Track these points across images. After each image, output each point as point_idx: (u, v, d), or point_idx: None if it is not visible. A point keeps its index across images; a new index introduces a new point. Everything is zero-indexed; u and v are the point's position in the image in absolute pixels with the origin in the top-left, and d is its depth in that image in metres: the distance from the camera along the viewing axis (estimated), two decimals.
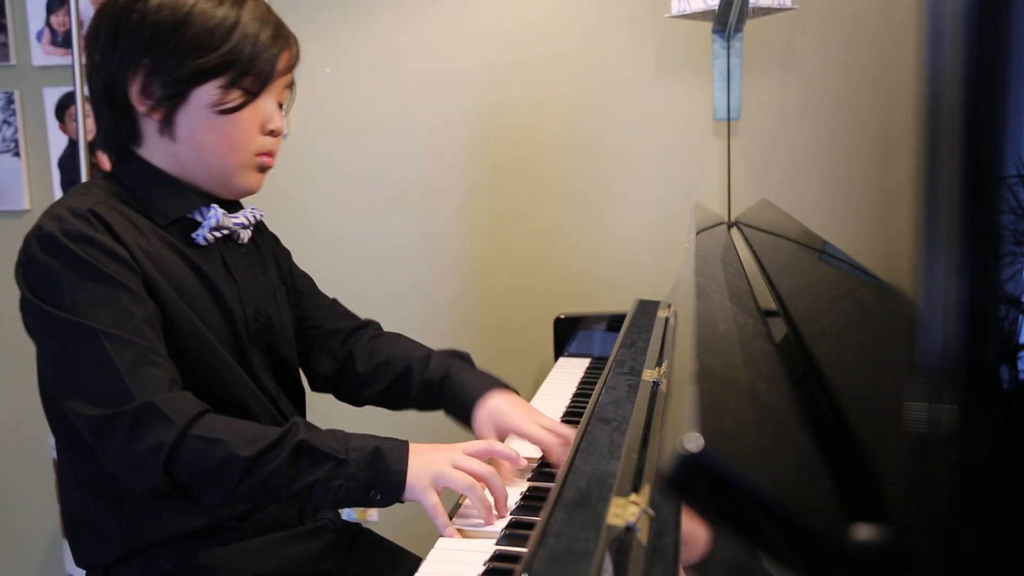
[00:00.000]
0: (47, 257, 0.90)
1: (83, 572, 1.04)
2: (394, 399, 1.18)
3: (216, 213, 1.02)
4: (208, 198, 1.04)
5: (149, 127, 1.00)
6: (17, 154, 2.09)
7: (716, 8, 1.66)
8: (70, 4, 1.96)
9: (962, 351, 0.33)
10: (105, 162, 2.07)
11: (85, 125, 2.01)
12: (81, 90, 1.99)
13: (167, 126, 0.98)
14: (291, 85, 1.07)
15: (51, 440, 1.89)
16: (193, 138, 0.99)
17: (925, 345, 0.34)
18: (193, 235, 1.01)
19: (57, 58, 2.07)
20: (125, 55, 0.96)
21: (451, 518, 0.91)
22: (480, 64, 1.92)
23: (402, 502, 0.89)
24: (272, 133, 1.03)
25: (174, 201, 1.00)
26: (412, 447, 0.91)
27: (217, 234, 1.02)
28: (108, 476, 0.97)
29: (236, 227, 1.05)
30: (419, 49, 1.94)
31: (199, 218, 1.02)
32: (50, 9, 2.06)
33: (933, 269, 0.34)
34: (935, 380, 0.34)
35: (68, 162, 2.09)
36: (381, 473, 0.88)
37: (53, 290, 0.89)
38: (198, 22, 0.96)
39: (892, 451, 0.39)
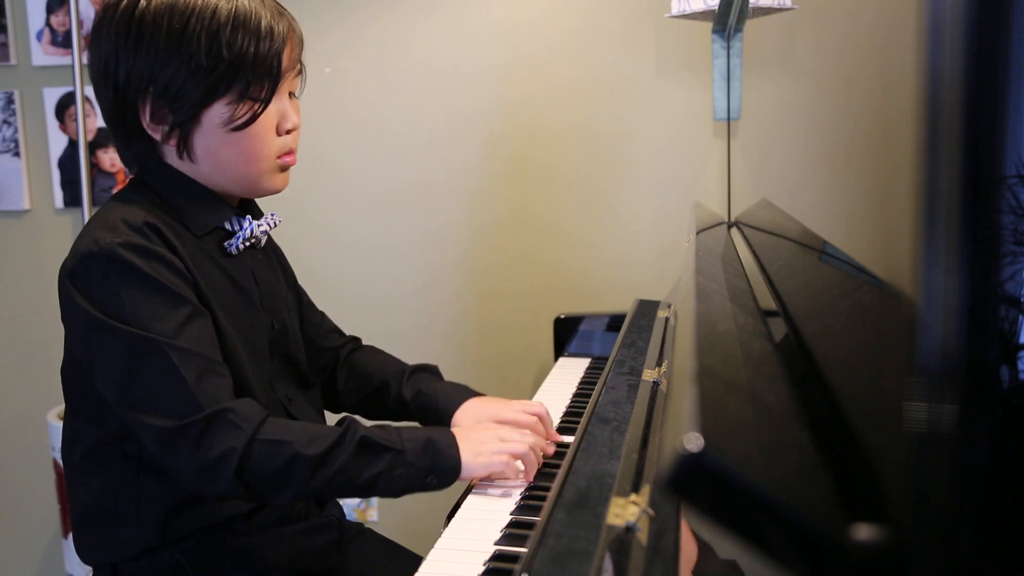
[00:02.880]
0: (107, 270, 0.89)
1: (83, 573, 1.04)
2: (372, 411, 1.23)
3: (251, 225, 1.02)
4: (232, 200, 1.04)
5: (167, 148, 0.98)
6: (17, 154, 2.09)
7: (716, 8, 1.66)
8: (70, 4, 1.96)
9: (962, 351, 0.33)
10: (105, 162, 2.07)
11: (85, 125, 2.01)
12: (81, 90, 1.99)
13: (184, 149, 0.97)
14: (300, 70, 1.03)
15: (51, 440, 1.89)
16: (212, 156, 0.97)
17: (925, 345, 0.34)
18: (226, 244, 1.01)
19: (57, 58, 2.07)
20: (130, 80, 0.94)
21: (469, 494, 0.97)
22: (479, 64, 1.92)
23: (456, 482, 0.95)
24: (289, 131, 1.01)
25: (207, 211, 0.99)
26: (458, 432, 0.96)
27: (247, 244, 1.03)
28: (130, 476, 0.97)
29: (261, 235, 1.05)
30: (419, 50, 1.94)
31: (230, 227, 1.02)
32: (50, 9, 2.06)
33: (933, 269, 0.34)
34: (935, 380, 0.34)
35: (68, 162, 2.09)
36: (436, 459, 0.93)
37: (115, 303, 0.89)
38: (196, 38, 0.92)
39: (892, 451, 0.39)
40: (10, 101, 2.08)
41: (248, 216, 1.03)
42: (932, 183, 0.34)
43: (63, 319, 0.95)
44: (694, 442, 0.37)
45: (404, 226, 1.99)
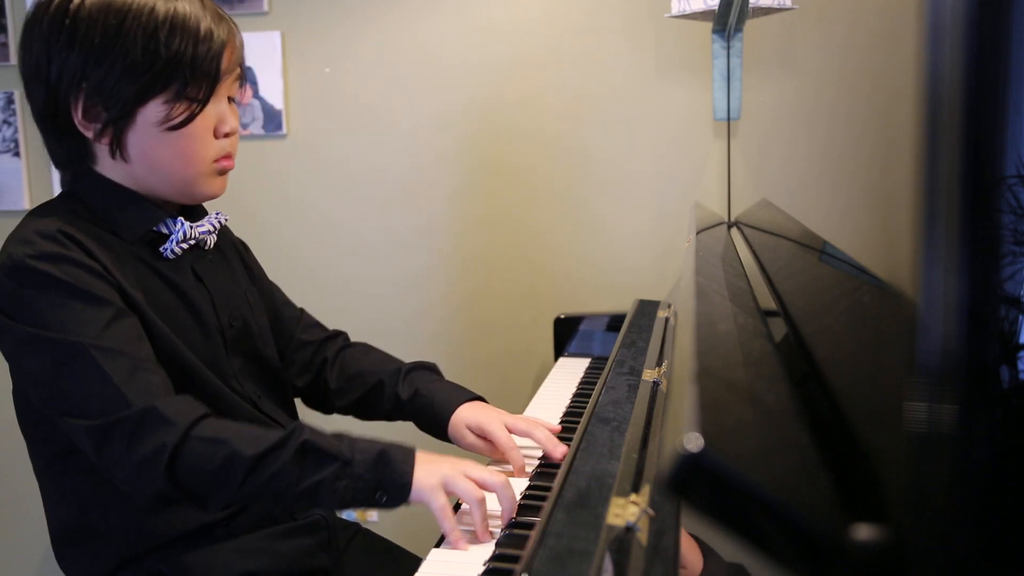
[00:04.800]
0: (22, 286, 0.88)
1: None
2: (365, 411, 1.19)
3: (183, 226, 0.99)
4: (171, 205, 1.02)
5: (99, 148, 0.97)
6: (17, 154, 2.09)
7: (716, 8, 1.66)
8: None
9: (962, 351, 0.33)
10: None
11: None
12: None
13: (117, 148, 0.95)
14: (240, 77, 1.02)
15: None
16: (146, 156, 0.96)
17: (925, 345, 0.34)
18: (161, 249, 0.98)
19: None
20: (62, 76, 0.92)
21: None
22: (480, 63, 1.92)
23: (408, 504, 0.88)
24: (227, 135, 0.99)
25: (138, 216, 0.97)
26: (419, 453, 0.90)
27: (184, 245, 1.00)
28: (91, 488, 0.96)
29: (202, 235, 1.02)
30: (419, 49, 1.94)
31: (165, 230, 0.99)
32: None
33: (933, 269, 0.34)
34: (935, 380, 0.34)
35: None
36: (387, 474, 0.86)
37: (35, 314, 0.87)
38: (132, 36, 0.91)
39: (892, 451, 0.39)
40: (10, 101, 2.08)
41: (180, 218, 1.00)
42: (932, 183, 0.34)
43: None
44: (694, 442, 0.37)
45: (405, 225, 1.99)
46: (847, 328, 0.52)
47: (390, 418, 1.17)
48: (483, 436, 1.07)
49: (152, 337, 0.93)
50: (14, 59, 2.07)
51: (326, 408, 1.22)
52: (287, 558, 1.01)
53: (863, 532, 0.37)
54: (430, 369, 1.19)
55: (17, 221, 0.95)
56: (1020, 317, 0.33)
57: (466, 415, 1.09)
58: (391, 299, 2.01)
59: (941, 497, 0.34)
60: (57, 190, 2.08)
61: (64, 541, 1.00)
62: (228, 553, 0.98)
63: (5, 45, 2.07)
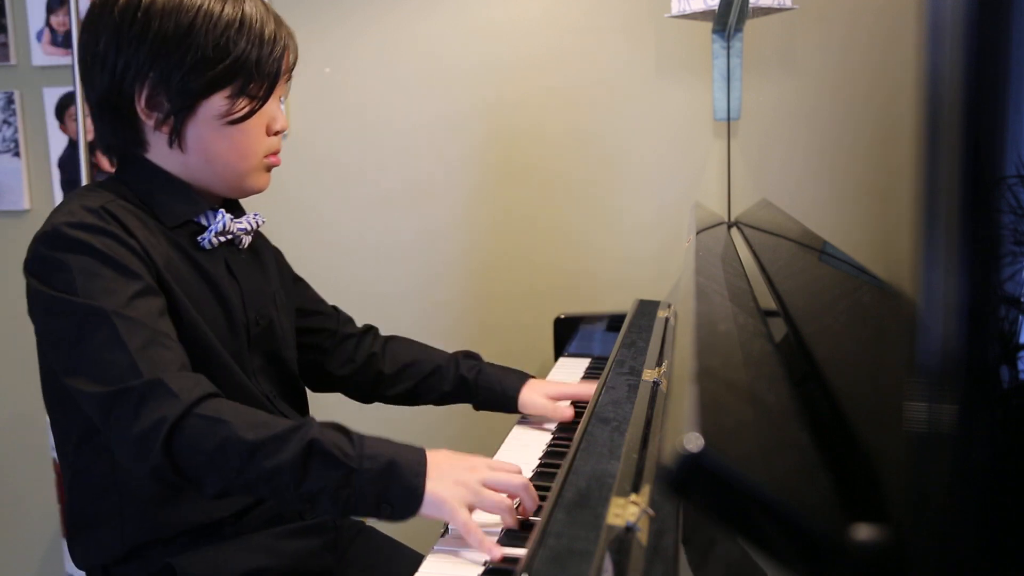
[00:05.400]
0: (58, 252, 0.90)
1: (83, 573, 1.04)
2: (419, 396, 1.27)
3: (223, 218, 1.02)
4: (213, 198, 1.05)
5: (156, 136, 1.00)
6: (17, 154, 2.09)
7: (716, 8, 1.66)
8: (70, 4, 1.96)
9: (962, 351, 0.33)
10: (104, 162, 2.07)
11: (85, 125, 2.01)
12: (81, 90, 1.99)
13: (176, 137, 0.98)
14: (289, 77, 1.06)
15: (51, 440, 1.89)
16: (203, 148, 0.99)
17: (925, 345, 0.34)
18: (199, 238, 1.01)
19: (57, 58, 2.07)
20: (129, 65, 0.95)
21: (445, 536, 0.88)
22: (480, 63, 1.92)
23: (414, 516, 0.85)
24: (277, 132, 1.04)
25: (182, 204, 1.00)
26: (431, 460, 0.86)
27: (222, 238, 1.03)
28: (107, 472, 0.97)
29: (239, 232, 1.05)
30: (419, 49, 1.94)
31: (205, 222, 1.02)
32: (50, 9, 2.06)
33: (933, 269, 0.34)
34: (935, 380, 0.34)
35: (68, 162, 2.09)
36: (395, 487, 0.83)
37: (65, 280, 0.89)
38: (203, 32, 0.95)
39: (892, 451, 0.39)
40: (10, 101, 2.08)
41: (221, 210, 1.03)
42: (932, 183, 0.34)
43: (29, 313, 0.94)
44: (694, 442, 0.37)
45: (404, 226, 1.99)
46: (847, 328, 0.52)
47: (445, 401, 1.27)
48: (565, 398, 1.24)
49: (180, 322, 0.95)
50: (14, 59, 2.07)
51: (372, 397, 1.28)
52: (293, 558, 1.02)
53: (863, 532, 0.37)
54: (478, 357, 1.31)
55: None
56: (1020, 317, 0.33)
57: (539, 387, 1.26)
58: (390, 299, 2.01)
59: (941, 497, 0.34)
60: (58, 190, 2.08)
61: (78, 526, 1.01)
62: (235, 550, 0.99)
63: (5, 45, 2.07)
